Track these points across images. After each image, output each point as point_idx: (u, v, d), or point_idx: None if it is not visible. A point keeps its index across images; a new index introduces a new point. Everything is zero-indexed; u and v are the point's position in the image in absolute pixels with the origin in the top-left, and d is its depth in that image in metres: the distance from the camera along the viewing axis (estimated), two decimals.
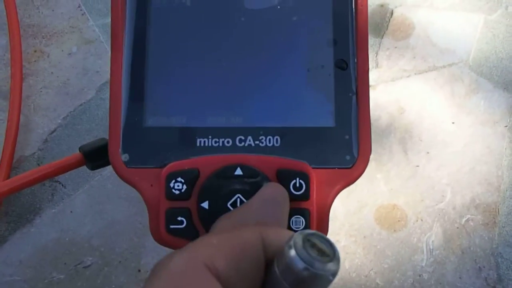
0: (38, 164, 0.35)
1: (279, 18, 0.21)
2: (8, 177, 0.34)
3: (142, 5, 0.22)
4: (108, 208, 0.34)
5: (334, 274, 0.14)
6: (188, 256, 0.14)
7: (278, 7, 0.22)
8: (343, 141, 0.21)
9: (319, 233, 0.14)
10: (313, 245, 0.14)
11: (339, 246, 0.33)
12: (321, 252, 0.14)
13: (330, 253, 0.14)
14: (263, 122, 0.21)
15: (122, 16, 0.22)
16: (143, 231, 0.33)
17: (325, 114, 0.21)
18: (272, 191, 0.19)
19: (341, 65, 0.21)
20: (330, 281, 0.14)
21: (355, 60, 0.21)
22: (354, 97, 0.21)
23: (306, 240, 0.14)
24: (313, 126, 0.21)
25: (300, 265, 0.13)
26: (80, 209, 0.34)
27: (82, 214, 0.34)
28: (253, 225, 0.17)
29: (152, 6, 0.22)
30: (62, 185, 0.35)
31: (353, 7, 0.21)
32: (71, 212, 0.34)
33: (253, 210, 0.18)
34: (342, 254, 0.33)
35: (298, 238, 0.14)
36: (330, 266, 0.13)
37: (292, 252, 0.13)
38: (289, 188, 0.20)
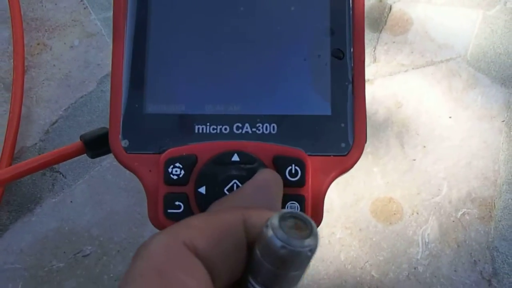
0: (39, 155, 0.36)
1: (277, 8, 0.22)
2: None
3: None
4: (108, 198, 0.34)
5: (312, 249, 0.14)
6: (168, 237, 0.14)
7: None
8: (338, 129, 0.21)
9: (296, 211, 0.15)
10: (290, 224, 0.14)
11: (335, 238, 0.33)
12: (298, 229, 0.14)
13: (307, 230, 0.14)
14: (260, 110, 0.21)
15: (124, 4, 0.22)
16: (142, 221, 0.33)
17: (321, 103, 0.21)
18: (265, 177, 0.19)
19: (338, 54, 0.21)
20: (309, 257, 0.14)
21: (352, 50, 0.22)
22: (350, 86, 0.21)
23: (283, 219, 0.14)
24: (309, 114, 0.21)
25: (278, 243, 0.14)
26: (80, 199, 0.34)
27: (82, 204, 0.34)
28: (236, 206, 0.17)
29: None
30: (63, 175, 0.35)
31: None
32: (71, 202, 0.34)
33: (245, 195, 0.18)
34: (337, 247, 0.33)
35: (274, 218, 0.14)
36: (308, 242, 0.14)
37: (269, 232, 0.14)
38: (285, 175, 0.20)
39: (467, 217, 0.34)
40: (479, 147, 0.36)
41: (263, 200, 0.18)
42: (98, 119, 0.36)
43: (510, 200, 0.34)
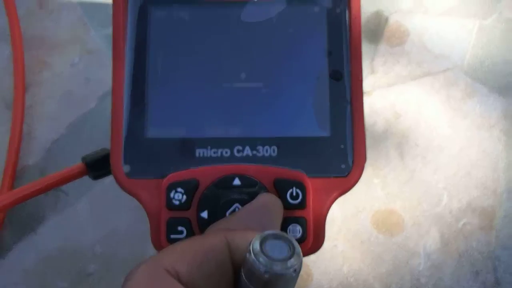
0: (42, 173, 0.36)
1: (274, 31, 0.22)
2: (12, 186, 0.35)
3: (142, 18, 0.22)
4: (111, 216, 0.35)
5: (297, 269, 0.14)
6: (151, 265, 0.15)
7: (274, 20, 0.22)
8: (338, 150, 0.21)
9: (277, 231, 0.15)
10: (272, 246, 0.14)
11: (337, 251, 0.33)
12: (280, 251, 0.14)
13: (289, 250, 0.14)
14: (260, 133, 0.22)
15: (123, 29, 0.22)
16: (145, 238, 0.34)
17: (320, 124, 0.22)
18: (263, 201, 0.19)
19: (336, 75, 0.22)
20: (294, 277, 0.14)
21: (349, 71, 0.22)
22: (348, 107, 0.22)
23: (264, 241, 0.14)
24: (309, 136, 0.21)
25: (261, 269, 0.14)
26: (83, 217, 0.35)
27: (85, 222, 0.34)
28: (220, 229, 0.17)
29: (152, 20, 0.22)
30: (65, 194, 0.35)
31: (347, 19, 0.22)
32: (74, 220, 0.35)
33: (241, 218, 0.19)
34: (340, 259, 0.33)
35: (255, 242, 0.14)
36: (291, 262, 0.14)
37: (251, 257, 0.14)
38: (286, 197, 0.20)
39: (468, 227, 0.34)
40: (478, 156, 0.36)
41: (259, 223, 0.18)
42: (99, 136, 0.36)
43: (510, 209, 0.35)
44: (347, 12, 0.22)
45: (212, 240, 0.16)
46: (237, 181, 0.21)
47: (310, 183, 0.21)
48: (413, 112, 0.37)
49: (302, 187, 0.21)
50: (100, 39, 0.39)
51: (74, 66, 0.38)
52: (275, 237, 0.15)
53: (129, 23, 0.22)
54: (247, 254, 0.14)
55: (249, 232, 0.17)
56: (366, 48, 0.38)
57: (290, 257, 0.14)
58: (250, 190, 0.21)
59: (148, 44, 0.22)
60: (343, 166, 0.21)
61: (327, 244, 0.34)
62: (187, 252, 0.15)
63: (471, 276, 0.33)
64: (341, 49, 0.22)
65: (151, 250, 0.34)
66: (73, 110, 0.38)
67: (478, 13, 0.40)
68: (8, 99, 0.38)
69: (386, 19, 0.40)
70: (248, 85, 0.22)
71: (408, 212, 0.34)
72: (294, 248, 0.14)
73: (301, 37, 0.22)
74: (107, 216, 0.34)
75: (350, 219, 0.34)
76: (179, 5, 0.22)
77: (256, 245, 0.14)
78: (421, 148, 0.36)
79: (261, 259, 0.14)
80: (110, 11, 0.23)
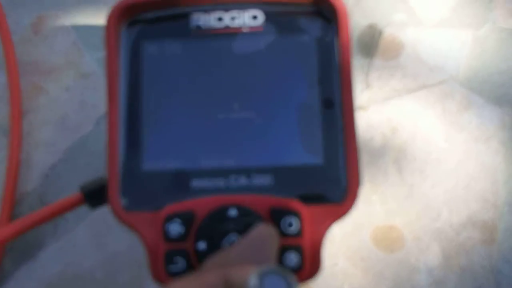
0: (41, 199, 0.36)
1: (266, 62, 0.22)
2: (11, 214, 0.35)
3: (135, 54, 0.23)
4: (110, 240, 0.35)
5: None
6: None
7: (265, 51, 0.22)
8: (332, 177, 0.21)
9: (274, 268, 0.15)
10: (270, 283, 0.15)
11: (337, 268, 0.33)
12: (278, 287, 0.14)
13: (287, 286, 0.15)
14: (255, 162, 0.22)
15: (117, 65, 0.22)
16: (145, 263, 0.34)
17: (314, 152, 0.22)
18: (259, 233, 0.20)
19: (327, 104, 0.22)
20: None
21: (341, 98, 0.22)
22: (341, 134, 0.22)
23: (261, 278, 0.15)
24: (303, 164, 0.22)
25: None
26: (82, 242, 0.35)
27: (85, 247, 0.34)
28: (218, 266, 0.17)
29: (145, 55, 0.22)
30: (65, 220, 0.35)
31: (336, 47, 0.22)
32: (74, 245, 0.35)
33: (238, 251, 0.19)
34: (340, 277, 0.33)
35: (253, 279, 0.15)
36: None
37: None
38: (282, 226, 0.21)
39: (469, 241, 0.34)
40: (476, 169, 0.36)
41: (256, 256, 0.19)
42: (96, 161, 0.36)
43: (511, 222, 0.34)
44: (336, 40, 0.22)
45: (210, 278, 0.16)
46: (233, 212, 0.21)
47: (306, 211, 0.21)
48: (410, 126, 0.37)
49: (297, 215, 0.21)
50: (94, 63, 0.39)
51: (69, 90, 0.39)
52: (273, 273, 0.15)
53: (122, 58, 0.22)
54: None
55: (245, 268, 0.17)
56: (360, 63, 0.38)
57: None
58: (246, 220, 0.21)
59: (142, 78, 0.23)
60: (337, 193, 0.22)
61: (327, 262, 0.34)
62: None
63: None
64: (332, 78, 0.22)
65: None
66: (70, 135, 0.38)
67: (471, 23, 0.40)
68: (4, 126, 0.38)
69: (380, 32, 0.40)
70: (241, 115, 0.22)
71: (408, 228, 0.34)
72: (291, 285, 0.15)
73: (292, 66, 0.22)
74: (107, 241, 0.34)
75: (349, 236, 0.34)
76: (171, 38, 0.22)
77: (254, 282, 0.14)
78: (419, 163, 0.36)
79: None
80: (103, 35, 0.23)
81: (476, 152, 0.36)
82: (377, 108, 0.37)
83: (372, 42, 0.39)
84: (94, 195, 0.27)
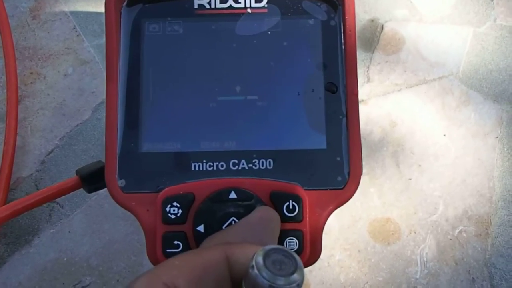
0: (36, 185, 0.36)
1: (269, 44, 0.22)
2: (6, 198, 0.34)
3: (136, 33, 0.22)
4: (106, 227, 0.34)
5: (299, 284, 0.14)
6: (150, 278, 0.15)
7: (269, 33, 0.22)
8: (334, 162, 0.21)
9: (279, 246, 0.15)
10: (274, 261, 0.14)
11: (334, 260, 0.33)
12: (283, 266, 0.14)
13: (293, 265, 0.14)
14: (256, 146, 0.22)
15: (117, 43, 0.22)
16: (141, 250, 0.33)
17: (316, 137, 0.21)
18: (261, 214, 0.19)
19: (331, 88, 0.22)
20: None
21: (345, 83, 0.22)
22: (344, 119, 0.22)
23: (267, 256, 0.14)
24: (305, 149, 0.21)
25: (264, 283, 0.14)
26: (78, 229, 0.34)
27: (80, 234, 0.34)
28: (219, 244, 0.17)
29: (146, 34, 0.22)
30: (60, 206, 0.35)
31: (342, 32, 0.22)
32: (69, 232, 0.34)
33: (239, 232, 0.18)
34: (337, 269, 0.33)
35: (258, 256, 0.14)
36: (294, 277, 0.14)
37: (255, 272, 0.14)
38: (283, 210, 0.20)
39: (464, 235, 0.34)
40: (474, 164, 0.36)
41: (258, 237, 0.18)
42: (93, 147, 0.36)
43: (506, 217, 0.35)
44: (342, 24, 0.22)
45: (211, 255, 0.16)
46: (233, 195, 0.21)
47: (307, 196, 0.21)
48: (409, 121, 0.37)
49: (298, 200, 0.21)
50: (93, 49, 0.39)
51: (68, 77, 0.38)
52: (278, 251, 0.15)
53: (122, 37, 0.22)
54: (250, 269, 0.14)
55: (248, 246, 0.16)
56: (361, 57, 0.38)
57: (293, 272, 0.14)
58: (246, 204, 0.21)
59: (142, 58, 0.22)
60: (339, 178, 0.21)
61: (324, 253, 0.34)
62: (186, 267, 0.15)
63: (467, 283, 0.33)
64: (336, 62, 0.22)
65: (146, 261, 0.33)
66: (67, 122, 0.37)
67: (473, 20, 0.40)
68: (1, 111, 0.37)
69: (382, 27, 0.40)
70: (243, 98, 0.22)
71: (405, 221, 0.34)
72: (296, 263, 0.14)
73: (296, 50, 0.22)
74: (102, 228, 0.34)
75: (346, 228, 0.34)
76: (172, 18, 0.22)
77: (260, 259, 0.14)
78: (416, 157, 0.36)
79: (264, 274, 0.14)
80: (103, 21, 0.23)
81: (474, 147, 0.36)
82: (377, 102, 0.37)
83: (373, 37, 0.39)
84: (91, 179, 0.27)
